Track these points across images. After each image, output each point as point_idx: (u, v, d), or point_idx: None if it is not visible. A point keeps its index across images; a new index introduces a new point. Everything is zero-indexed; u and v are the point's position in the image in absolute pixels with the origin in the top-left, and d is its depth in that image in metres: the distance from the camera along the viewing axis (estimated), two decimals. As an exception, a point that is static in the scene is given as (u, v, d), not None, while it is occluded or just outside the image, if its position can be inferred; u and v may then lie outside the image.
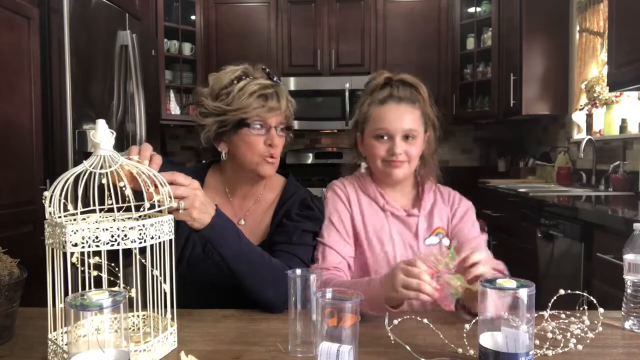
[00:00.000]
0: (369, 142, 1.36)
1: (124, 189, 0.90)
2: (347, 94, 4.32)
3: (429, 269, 1.02)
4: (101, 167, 0.91)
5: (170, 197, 0.97)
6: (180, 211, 1.03)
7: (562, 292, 0.99)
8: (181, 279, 1.17)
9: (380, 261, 1.34)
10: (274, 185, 1.45)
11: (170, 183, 1.00)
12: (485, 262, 1.02)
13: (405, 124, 1.32)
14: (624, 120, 3.14)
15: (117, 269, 0.92)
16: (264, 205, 1.42)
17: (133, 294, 0.93)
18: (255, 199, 1.42)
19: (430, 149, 1.40)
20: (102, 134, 0.92)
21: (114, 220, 0.92)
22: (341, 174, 1.51)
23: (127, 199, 0.91)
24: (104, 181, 0.90)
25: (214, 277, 1.29)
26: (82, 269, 0.87)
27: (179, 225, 1.08)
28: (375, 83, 1.39)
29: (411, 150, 1.33)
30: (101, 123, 0.92)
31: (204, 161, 1.57)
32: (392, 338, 0.95)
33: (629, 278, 1.06)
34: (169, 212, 0.99)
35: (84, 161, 0.92)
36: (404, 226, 1.38)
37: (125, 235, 0.85)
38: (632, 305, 1.06)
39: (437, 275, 1.02)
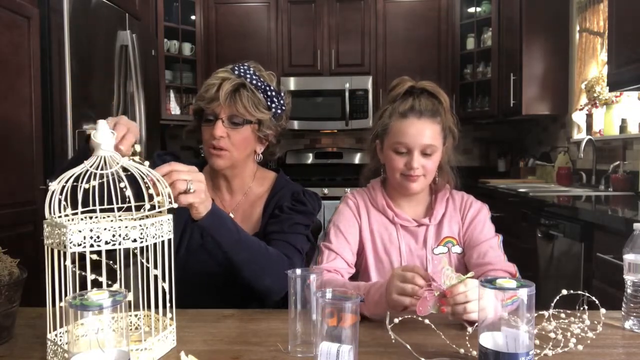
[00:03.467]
0: (387, 153, 1.36)
1: (124, 189, 0.90)
2: (347, 94, 4.32)
3: (426, 274, 1.02)
4: (101, 168, 0.91)
5: (170, 197, 0.97)
6: (191, 191, 1.04)
7: (564, 292, 0.99)
8: (179, 268, 1.18)
9: (387, 274, 1.35)
10: (264, 179, 1.47)
11: (170, 172, 1.03)
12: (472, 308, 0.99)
13: (425, 139, 1.30)
14: (624, 120, 3.14)
15: (115, 268, 0.92)
16: (252, 198, 1.44)
17: (130, 297, 0.93)
18: (244, 193, 1.44)
19: (448, 157, 1.39)
20: (103, 135, 0.92)
21: (113, 220, 0.92)
22: (360, 178, 1.51)
23: (127, 199, 0.91)
24: (94, 183, 0.91)
25: (211, 265, 1.32)
26: (81, 270, 0.87)
27: (177, 214, 1.07)
28: (397, 92, 1.36)
29: (428, 165, 1.33)
30: (102, 124, 0.93)
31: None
32: (392, 337, 0.95)
33: (629, 278, 1.06)
34: (177, 197, 1.01)
35: (85, 161, 0.92)
36: (413, 237, 1.38)
37: (126, 235, 0.85)
38: (632, 305, 1.06)
39: (437, 289, 1.01)
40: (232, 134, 1.32)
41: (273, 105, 1.36)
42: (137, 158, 0.99)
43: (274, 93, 1.36)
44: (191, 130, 1.42)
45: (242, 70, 1.33)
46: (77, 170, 0.91)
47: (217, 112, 1.31)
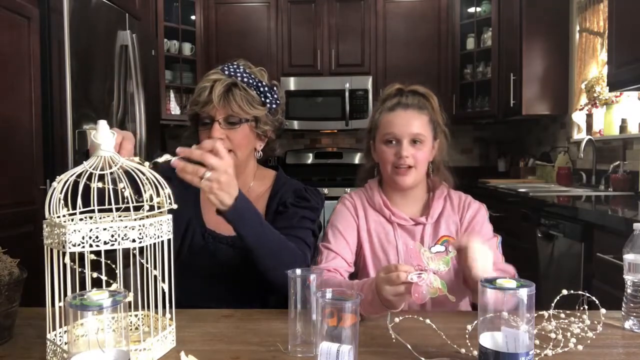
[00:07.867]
0: (379, 147, 1.38)
1: (123, 190, 0.90)
2: (347, 94, 4.31)
3: (410, 267, 1.02)
4: (101, 168, 0.91)
5: (170, 199, 0.97)
6: (203, 181, 1.05)
7: (564, 292, 0.99)
8: (181, 268, 1.17)
9: None
10: (264, 178, 1.47)
11: (210, 151, 1.06)
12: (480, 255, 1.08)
13: (413, 128, 1.34)
14: (624, 120, 3.14)
15: (115, 268, 0.92)
16: (253, 197, 1.44)
17: (131, 297, 0.93)
18: (246, 190, 1.44)
19: (442, 156, 1.41)
20: (103, 135, 0.92)
21: (112, 220, 0.92)
22: (356, 179, 1.52)
23: (126, 200, 0.91)
24: (100, 184, 0.90)
25: (212, 264, 1.33)
26: (80, 269, 0.87)
27: (179, 214, 1.07)
28: (387, 93, 1.42)
29: (418, 155, 1.33)
30: (102, 124, 0.93)
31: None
32: (393, 337, 0.95)
33: (629, 278, 1.06)
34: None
35: (84, 162, 0.92)
36: (410, 236, 1.38)
37: (125, 235, 0.85)
38: (632, 305, 1.06)
39: (423, 271, 1.00)
40: (231, 134, 1.32)
41: (267, 100, 1.35)
42: (137, 159, 0.99)
43: (266, 88, 1.35)
44: (189, 137, 1.41)
45: (232, 70, 1.33)
46: (77, 169, 0.90)
47: (213, 114, 1.31)
